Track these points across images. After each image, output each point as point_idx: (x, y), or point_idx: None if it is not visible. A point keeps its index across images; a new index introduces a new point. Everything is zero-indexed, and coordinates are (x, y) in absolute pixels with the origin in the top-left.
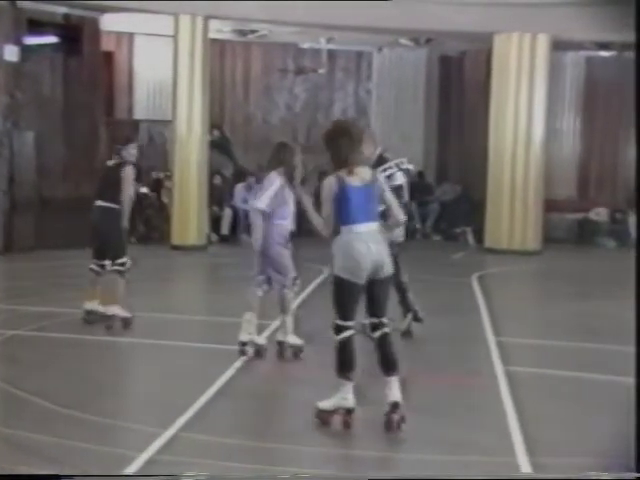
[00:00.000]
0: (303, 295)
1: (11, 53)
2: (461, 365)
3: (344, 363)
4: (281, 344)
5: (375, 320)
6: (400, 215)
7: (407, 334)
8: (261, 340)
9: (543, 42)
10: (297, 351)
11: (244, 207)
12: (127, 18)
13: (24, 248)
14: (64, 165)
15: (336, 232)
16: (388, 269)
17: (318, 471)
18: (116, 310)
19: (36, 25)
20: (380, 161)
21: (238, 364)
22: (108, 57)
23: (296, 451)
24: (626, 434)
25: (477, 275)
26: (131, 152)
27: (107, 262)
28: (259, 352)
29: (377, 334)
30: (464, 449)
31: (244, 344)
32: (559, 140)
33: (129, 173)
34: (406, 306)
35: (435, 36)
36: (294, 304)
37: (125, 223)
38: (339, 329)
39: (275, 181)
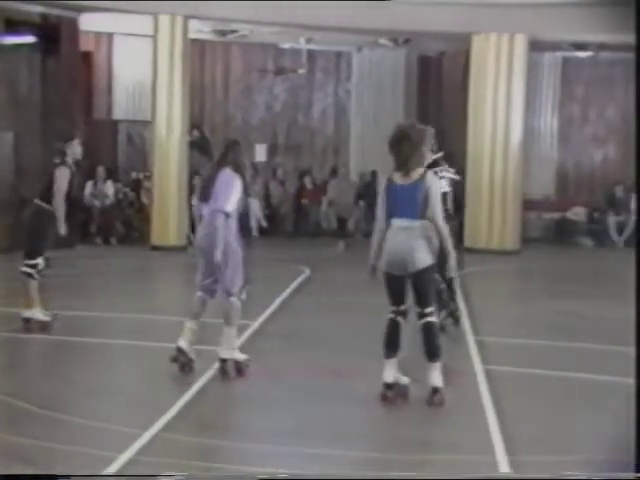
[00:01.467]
0: (284, 295)
1: None
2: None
3: (385, 342)
4: (225, 361)
5: (419, 310)
6: (440, 225)
7: (441, 330)
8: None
9: (520, 43)
10: (242, 367)
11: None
12: (106, 18)
13: (1, 249)
14: (42, 166)
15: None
16: (419, 263)
17: (297, 471)
18: (33, 313)
19: (13, 24)
20: (432, 166)
21: (218, 365)
22: (87, 57)
23: (276, 451)
24: (606, 431)
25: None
26: (75, 150)
27: (40, 261)
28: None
29: (420, 322)
30: (444, 448)
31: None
32: (537, 140)
33: (61, 174)
34: (441, 304)
35: (414, 36)
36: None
37: (62, 229)
38: (389, 312)
39: (237, 180)
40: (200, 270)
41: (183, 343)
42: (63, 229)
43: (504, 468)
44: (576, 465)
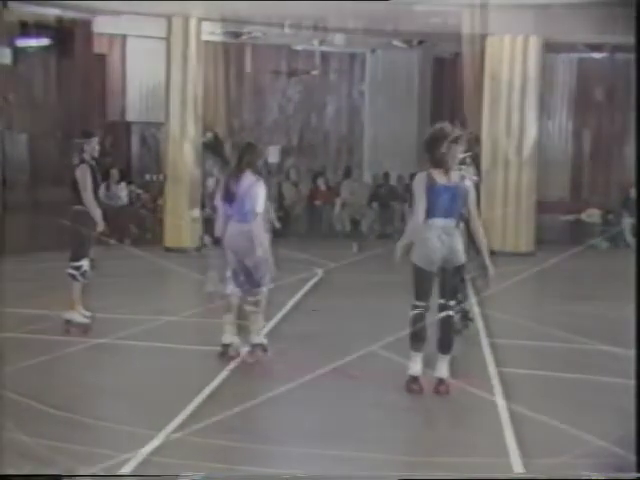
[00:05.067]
0: (297, 296)
1: (3, 55)
2: (454, 366)
3: (413, 335)
4: (256, 346)
5: (442, 302)
6: (475, 221)
7: (456, 332)
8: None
9: (535, 44)
10: (267, 350)
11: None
12: (119, 20)
13: (17, 250)
14: (57, 167)
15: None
16: (458, 261)
17: (314, 473)
18: (73, 315)
19: (28, 27)
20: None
21: (232, 365)
22: (101, 59)
23: (289, 453)
24: (619, 434)
25: (470, 276)
26: (94, 146)
27: (84, 264)
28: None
29: (441, 315)
30: (458, 450)
31: (226, 346)
32: (551, 141)
33: (82, 173)
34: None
35: (428, 38)
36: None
37: (99, 227)
38: (413, 307)
39: (260, 182)
40: (231, 266)
41: (227, 339)
42: (101, 226)
43: (518, 470)
44: (591, 467)
